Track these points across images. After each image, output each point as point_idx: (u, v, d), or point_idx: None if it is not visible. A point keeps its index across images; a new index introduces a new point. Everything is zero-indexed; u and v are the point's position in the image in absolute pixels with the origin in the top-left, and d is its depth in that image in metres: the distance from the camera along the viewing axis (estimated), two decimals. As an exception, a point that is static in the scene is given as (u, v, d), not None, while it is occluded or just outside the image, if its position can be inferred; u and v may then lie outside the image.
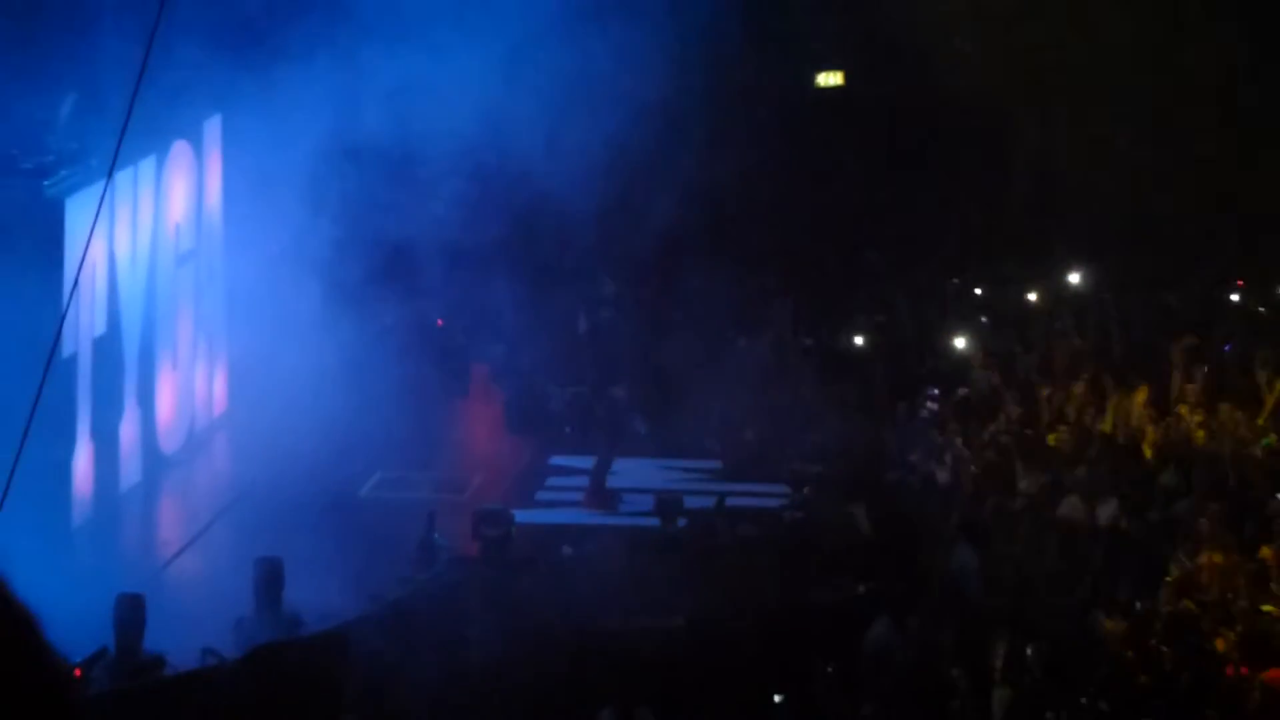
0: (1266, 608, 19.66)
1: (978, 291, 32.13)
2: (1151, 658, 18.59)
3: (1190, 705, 17.55)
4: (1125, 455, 24.31)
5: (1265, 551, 20.82)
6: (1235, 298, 31.02)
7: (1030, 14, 33.16)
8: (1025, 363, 28.22)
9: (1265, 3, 33.75)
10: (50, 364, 18.04)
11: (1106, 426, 25.09)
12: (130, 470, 24.30)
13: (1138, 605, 19.88)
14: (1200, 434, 24.92)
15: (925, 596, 20.21)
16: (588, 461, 27.01)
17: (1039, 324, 30.41)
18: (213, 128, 27.05)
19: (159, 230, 25.36)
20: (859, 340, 30.25)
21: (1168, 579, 20.41)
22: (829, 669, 18.16)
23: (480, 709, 17.01)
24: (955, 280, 32.49)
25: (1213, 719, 17.43)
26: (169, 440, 25.42)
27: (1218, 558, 20.69)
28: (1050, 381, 26.99)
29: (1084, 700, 17.49)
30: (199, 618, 19.77)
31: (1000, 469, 24.10)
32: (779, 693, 17.69)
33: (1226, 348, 28.18)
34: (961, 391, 26.95)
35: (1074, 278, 31.81)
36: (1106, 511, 22.54)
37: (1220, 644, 18.73)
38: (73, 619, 19.57)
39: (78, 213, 21.74)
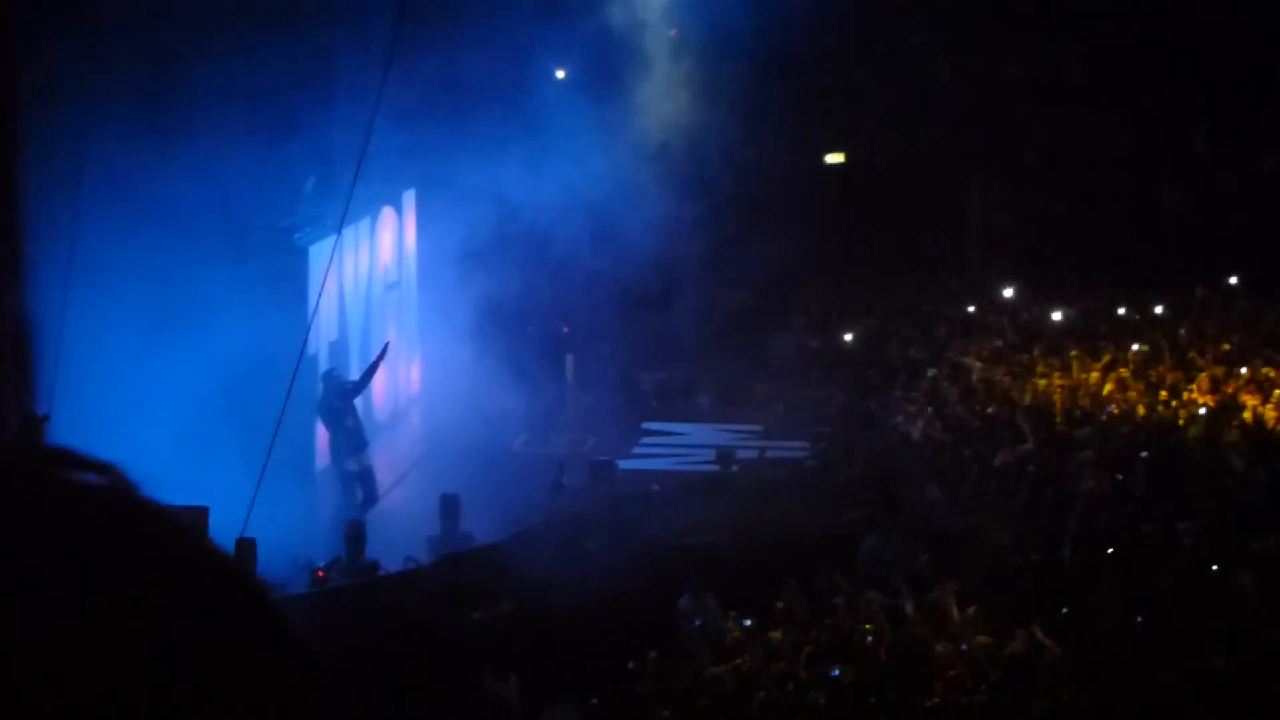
0: None
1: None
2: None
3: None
4: (1040, 418, 24.20)
5: None
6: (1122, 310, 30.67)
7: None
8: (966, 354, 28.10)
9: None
10: (300, 360, 18.22)
11: (1027, 398, 24.97)
12: (355, 433, 24.39)
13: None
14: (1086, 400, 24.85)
15: (903, 520, 20.17)
16: (670, 426, 27.03)
17: (976, 326, 30.26)
18: (409, 197, 27.17)
19: (373, 268, 25.46)
20: (850, 339, 30.19)
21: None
22: (834, 568, 18.13)
23: (596, 599, 17.02)
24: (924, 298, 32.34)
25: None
26: (381, 412, 25.49)
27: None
28: (986, 371, 26.83)
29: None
30: (402, 536, 19.85)
31: (955, 430, 24.03)
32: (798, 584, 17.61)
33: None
34: (930, 373, 26.84)
35: (1006, 292, 31.55)
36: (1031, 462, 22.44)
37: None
38: (317, 537, 19.81)
39: (317, 257, 21.86)
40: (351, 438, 22.06)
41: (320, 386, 21.88)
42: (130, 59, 21.09)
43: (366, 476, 22.13)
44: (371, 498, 22.03)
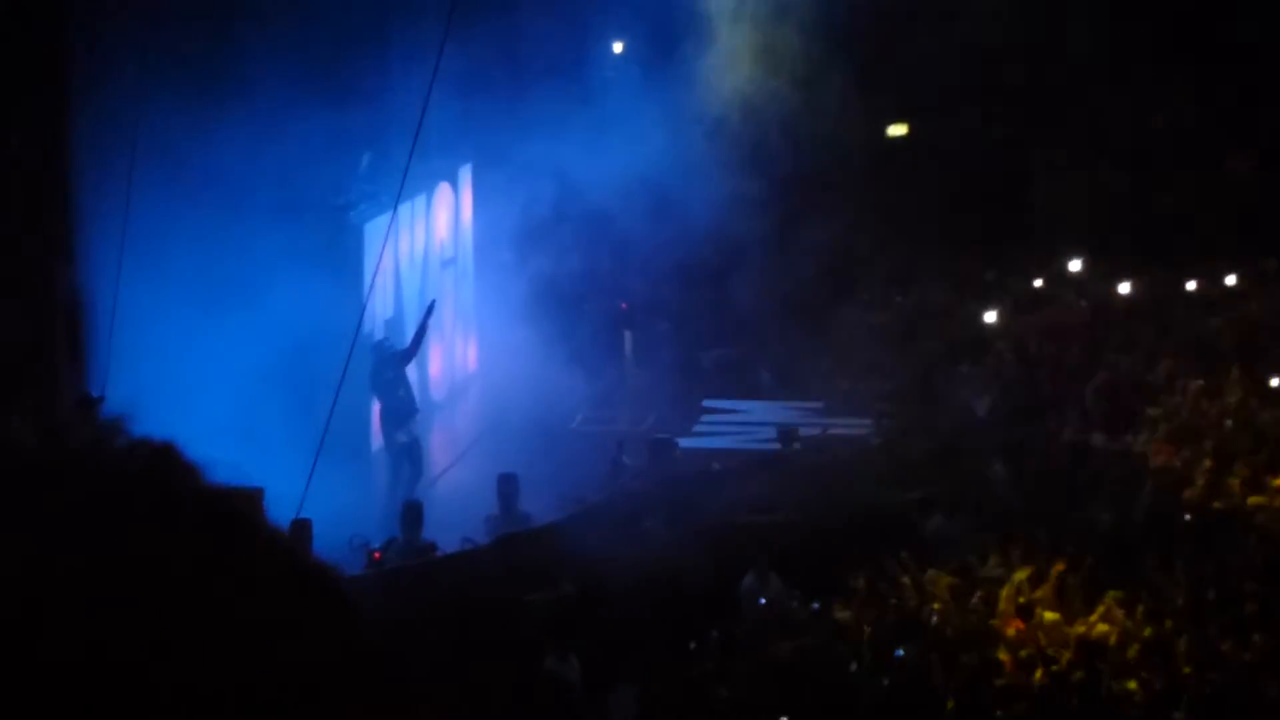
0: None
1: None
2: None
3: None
4: (1108, 394, 24.00)
5: None
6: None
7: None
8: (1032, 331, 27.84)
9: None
10: (356, 338, 18.19)
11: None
12: (411, 412, 24.35)
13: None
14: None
15: (968, 498, 20.02)
16: (731, 404, 26.92)
17: (1045, 302, 30.02)
18: (465, 173, 27.11)
19: (429, 245, 25.41)
20: (913, 314, 30.02)
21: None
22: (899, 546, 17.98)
23: (656, 579, 16.94)
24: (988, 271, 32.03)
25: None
26: (438, 390, 25.44)
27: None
28: (1052, 345, 26.61)
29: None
30: (460, 516, 19.82)
31: (1021, 406, 23.89)
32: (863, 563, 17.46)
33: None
34: (996, 349, 26.67)
35: (1074, 265, 31.24)
36: (1098, 439, 22.29)
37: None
38: (372, 518, 19.79)
39: (373, 234, 21.83)
40: (402, 407, 21.98)
41: (372, 357, 21.76)
42: (185, 35, 21.11)
43: (415, 449, 22.02)
44: (418, 472, 21.94)
